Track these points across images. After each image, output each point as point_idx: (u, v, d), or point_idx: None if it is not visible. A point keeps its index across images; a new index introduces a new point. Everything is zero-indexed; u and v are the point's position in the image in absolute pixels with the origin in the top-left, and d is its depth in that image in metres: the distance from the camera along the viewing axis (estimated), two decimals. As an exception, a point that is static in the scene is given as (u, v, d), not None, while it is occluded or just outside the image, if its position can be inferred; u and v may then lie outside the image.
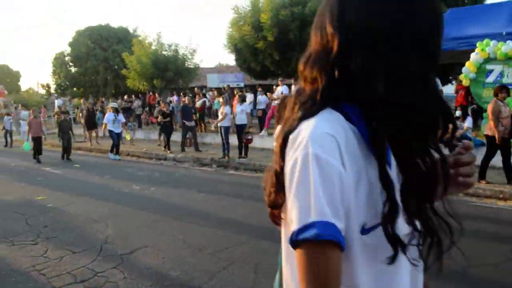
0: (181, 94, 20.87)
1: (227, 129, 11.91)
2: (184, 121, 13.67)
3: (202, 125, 17.56)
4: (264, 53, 18.83)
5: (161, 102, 17.87)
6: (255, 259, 4.55)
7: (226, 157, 11.91)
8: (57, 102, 26.08)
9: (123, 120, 14.32)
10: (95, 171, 11.28)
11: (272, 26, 17.51)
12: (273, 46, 18.09)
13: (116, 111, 13.99)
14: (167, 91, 25.02)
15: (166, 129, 14.08)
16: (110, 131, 13.71)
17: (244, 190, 8.34)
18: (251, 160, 11.54)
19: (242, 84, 29.39)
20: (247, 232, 5.48)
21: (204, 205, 7.15)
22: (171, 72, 23.93)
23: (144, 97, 24.84)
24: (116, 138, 13.68)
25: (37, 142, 13.17)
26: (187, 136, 14.14)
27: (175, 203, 7.34)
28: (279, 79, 14.72)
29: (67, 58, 33.88)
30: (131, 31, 35.02)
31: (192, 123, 13.94)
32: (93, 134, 17.35)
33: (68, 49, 33.80)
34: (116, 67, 31.22)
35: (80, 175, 10.77)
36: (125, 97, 24.85)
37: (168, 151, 13.65)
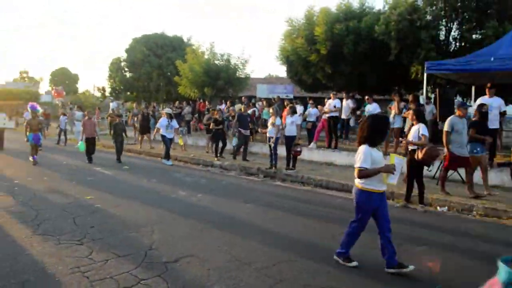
0: (227, 102, 21.10)
1: (276, 140, 11.70)
2: (240, 129, 13.51)
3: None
4: (316, 66, 18.58)
5: (211, 109, 17.92)
6: (304, 280, 4.26)
7: (274, 168, 11.69)
8: (112, 105, 26.86)
9: (176, 126, 14.31)
10: (143, 174, 11.36)
11: (326, 40, 17.23)
12: (326, 59, 17.81)
13: (170, 116, 13.97)
14: (217, 99, 25.21)
15: (218, 137, 14.04)
16: (162, 136, 13.74)
17: (292, 203, 8.08)
18: (299, 173, 11.27)
19: (291, 96, 29.33)
20: (296, 249, 5.20)
21: (251, 216, 6.95)
22: (222, 81, 24.09)
23: (194, 104, 25.16)
24: (168, 143, 13.74)
25: (90, 143, 13.41)
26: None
27: (222, 212, 7.18)
28: (332, 92, 14.38)
29: (123, 64, 34.95)
30: (185, 40, 35.78)
31: (248, 132, 13.74)
32: (145, 138, 17.65)
33: (124, 55, 34.87)
34: (169, 74, 31.86)
35: (129, 177, 10.84)
36: (176, 103, 25.25)
37: (216, 158, 13.63)
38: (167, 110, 14.80)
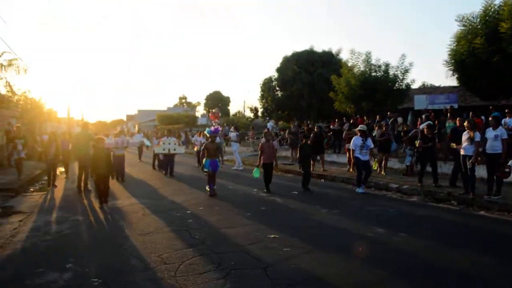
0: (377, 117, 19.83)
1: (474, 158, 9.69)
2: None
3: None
4: (500, 68, 15.82)
5: (383, 124, 16.14)
6: None
7: (471, 194, 9.67)
8: (268, 125, 27.13)
9: (372, 145, 11.73)
10: (317, 202, 10.07)
11: (514, 36, 14.58)
12: (514, 59, 15.07)
13: (364, 134, 11.49)
14: (374, 114, 23.56)
15: (426, 157, 11.67)
16: (356, 159, 11.67)
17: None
18: (507, 200, 9.10)
19: (455, 106, 26.14)
20: None
21: (493, 275, 5.09)
22: (380, 93, 22.37)
23: (350, 120, 23.88)
24: (363, 167, 11.51)
25: (269, 169, 11.76)
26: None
27: (451, 268, 5.28)
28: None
29: (274, 83, 35.32)
30: (334, 53, 34.92)
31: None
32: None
33: (275, 75, 35.23)
34: (320, 90, 31.19)
35: (305, 207, 9.50)
36: (336, 120, 24.32)
37: (434, 184, 11.23)
38: (361, 127, 12.18)
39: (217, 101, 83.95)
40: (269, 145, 11.91)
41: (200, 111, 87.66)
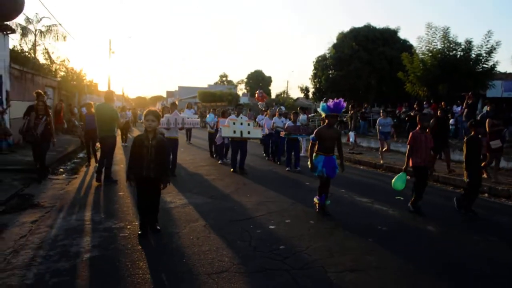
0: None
1: None
2: None
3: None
4: None
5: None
6: None
7: None
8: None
9: None
10: (454, 219, 6.91)
11: None
12: None
13: None
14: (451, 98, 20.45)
15: None
16: None
17: None
18: None
19: (535, 94, 22.91)
20: None
21: None
22: (462, 75, 19.16)
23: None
24: None
25: (423, 176, 7.18)
26: None
27: None
28: None
29: (328, 61, 32.20)
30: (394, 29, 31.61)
31: None
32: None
33: (330, 52, 32.10)
34: (380, 70, 28.02)
35: (445, 231, 6.10)
36: (415, 105, 21.46)
37: None
38: None
39: (258, 81, 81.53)
40: (426, 138, 7.19)
41: (242, 89, 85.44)
